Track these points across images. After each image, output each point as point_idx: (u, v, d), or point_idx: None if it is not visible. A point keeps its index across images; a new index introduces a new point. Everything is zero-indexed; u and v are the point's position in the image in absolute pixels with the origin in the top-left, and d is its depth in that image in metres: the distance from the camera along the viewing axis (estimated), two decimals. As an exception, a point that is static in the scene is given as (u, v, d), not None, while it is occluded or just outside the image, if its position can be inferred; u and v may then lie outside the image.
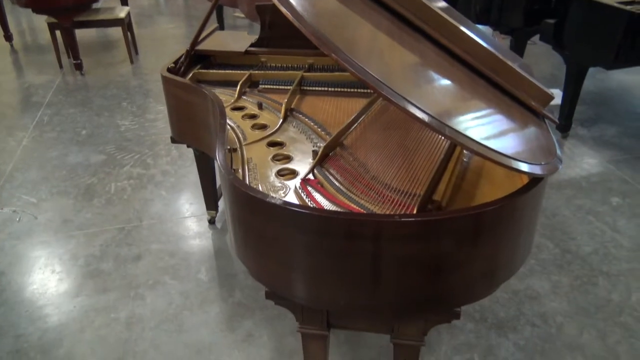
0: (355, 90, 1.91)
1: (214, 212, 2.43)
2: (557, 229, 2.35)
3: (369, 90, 1.88)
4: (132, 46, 4.70)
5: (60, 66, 4.51)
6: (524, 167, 1.11)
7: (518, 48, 3.65)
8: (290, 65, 2.15)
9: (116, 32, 5.07)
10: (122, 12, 4.42)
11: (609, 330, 1.85)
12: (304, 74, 2.01)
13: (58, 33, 4.35)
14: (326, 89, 1.94)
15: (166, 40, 5.34)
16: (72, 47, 4.30)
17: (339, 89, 1.93)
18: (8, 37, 5.11)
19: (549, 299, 1.98)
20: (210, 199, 2.39)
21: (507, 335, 1.83)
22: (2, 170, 2.93)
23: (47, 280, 2.13)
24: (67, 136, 3.33)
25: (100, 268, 2.18)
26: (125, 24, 4.46)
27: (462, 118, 1.14)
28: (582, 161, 2.93)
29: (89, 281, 2.11)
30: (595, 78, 4.07)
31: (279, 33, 2.17)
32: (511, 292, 2.00)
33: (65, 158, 3.06)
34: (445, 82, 1.27)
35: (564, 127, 3.16)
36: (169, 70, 1.99)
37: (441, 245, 1.08)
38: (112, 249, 2.29)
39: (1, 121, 3.57)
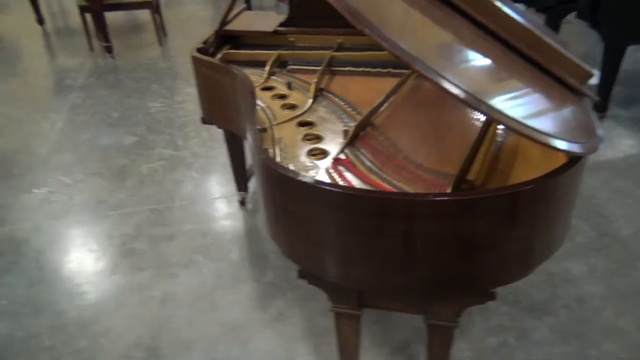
0: (386, 70, 1.87)
1: (245, 193, 2.44)
2: (593, 212, 2.29)
3: (399, 70, 1.85)
4: (160, 29, 4.72)
5: (91, 49, 4.57)
6: (562, 145, 1.07)
7: (552, 27, 3.53)
8: (319, 45, 2.12)
9: (145, 14, 5.09)
10: (150, -5, 4.43)
11: (647, 314, 1.80)
12: (334, 53, 1.99)
13: (88, 16, 4.40)
14: (356, 68, 1.91)
15: (194, 22, 5.35)
16: (102, 30, 4.34)
17: (369, 69, 1.90)
18: (40, 21, 5.20)
19: (585, 282, 1.94)
20: (241, 180, 2.40)
21: (541, 318, 1.80)
22: (38, 153, 3.00)
23: (84, 258, 2.19)
24: (99, 118, 3.38)
25: (135, 247, 2.23)
26: (154, 7, 4.48)
27: (498, 95, 1.11)
28: (620, 142, 2.84)
29: (125, 260, 2.16)
30: (634, 57, 3.91)
31: (308, 12, 2.15)
32: (546, 275, 1.97)
33: (98, 140, 3.12)
34: (481, 59, 1.24)
35: (601, 107, 3.06)
36: (199, 50, 1.99)
37: (475, 225, 1.06)
38: (145, 229, 2.34)
39: (36, 104, 3.64)
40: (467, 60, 1.22)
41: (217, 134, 2.99)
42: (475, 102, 1.02)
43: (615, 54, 2.92)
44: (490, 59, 1.27)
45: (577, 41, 4.25)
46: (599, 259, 2.04)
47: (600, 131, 1.21)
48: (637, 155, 2.71)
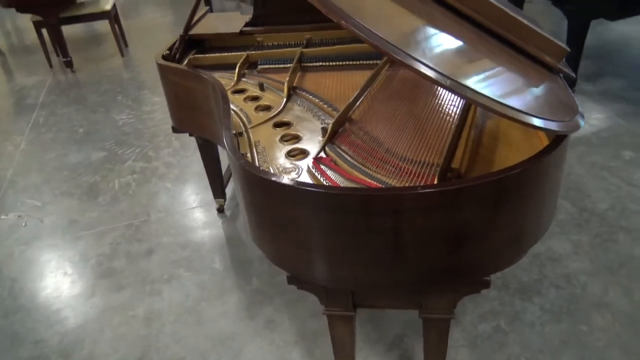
0: (358, 62, 1.84)
1: (222, 200, 2.38)
2: (571, 188, 2.31)
3: (371, 61, 1.82)
4: (120, 39, 4.60)
5: (50, 65, 4.43)
6: (546, 124, 1.06)
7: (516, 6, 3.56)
8: (287, 43, 2.08)
9: (103, 25, 4.96)
10: (107, 4, 4.32)
11: (634, 286, 1.81)
12: (303, 50, 1.95)
13: (45, 32, 4.26)
14: (327, 63, 1.87)
15: (154, 29, 5.23)
16: (60, 44, 4.21)
17: (341, 63, 1.87)
18: (-6, 41, 5.02)
19: (570, 259, 1.95)
20: (217, 187, 2.34)
21: (531, 299, 1.80)
22: (2, 176, 2.88)
23: (60, 283, 2.10)
24: (64, 136, 3.27)
25: (113, 266, 2.15)
26: (112, 17, 4.36)
27: (476, 77, 1.08)
28: (591, 117, 2.87)
29: (103, 280, 2.08)
30: (595, 31, 3.98)
31: (274, 9, 2.10)
32: (532, 256, 1.97)
33: (65, 158, 3.01)
34: (454, 41, 1.22)
35: (570, 83, 3.09)
36: (164, 57, 1.93)
37: (465, 214, 1.04)
38: (122, 246, 2.26)
39: (-4, 126, 3.51)
40: (440, 44, 1.19)
41: (189, 142, 2.92)
42: (454, 85, 0.99)
43: (580, 28, 2.96)
44: (464, 41, 1.25)
45: (541, 20, 4.30)
46: (582, 235, 2.05)
47: (580, 108, 1.20)
48: (608, 129, 2.75)
